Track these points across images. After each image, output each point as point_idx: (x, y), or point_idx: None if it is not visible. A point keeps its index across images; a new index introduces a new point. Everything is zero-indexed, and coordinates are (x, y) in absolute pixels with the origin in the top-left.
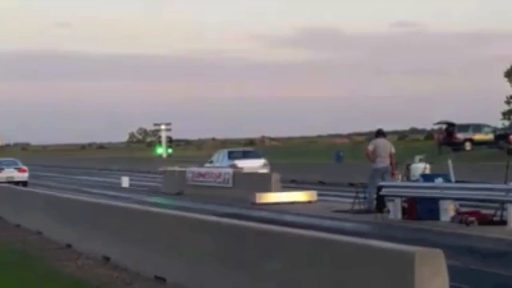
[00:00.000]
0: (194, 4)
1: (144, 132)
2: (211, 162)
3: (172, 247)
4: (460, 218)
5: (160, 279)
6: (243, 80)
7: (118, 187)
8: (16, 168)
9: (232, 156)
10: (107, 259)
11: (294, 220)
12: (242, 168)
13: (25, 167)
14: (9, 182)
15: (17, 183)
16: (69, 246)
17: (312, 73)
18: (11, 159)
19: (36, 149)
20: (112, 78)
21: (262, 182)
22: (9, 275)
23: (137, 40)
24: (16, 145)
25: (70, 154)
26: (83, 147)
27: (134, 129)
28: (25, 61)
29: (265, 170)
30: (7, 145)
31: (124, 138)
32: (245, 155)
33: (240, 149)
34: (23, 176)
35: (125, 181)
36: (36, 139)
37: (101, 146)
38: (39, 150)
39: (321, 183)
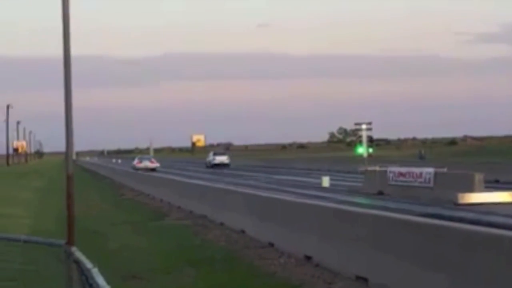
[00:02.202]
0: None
1: (344, 132)
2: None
3: (375, 247)
4: None
5: (362, 279)
6: (440, 78)
7: (318, 187)
8: (149, 161)
9: (214, 154)
10: (308, 258)
11: (500, 221)
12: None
13: (154, 160)
14: (145, 169)
15: (151, 169)
16: (271, 244)
17: None
18: (147, 156)
19: (238, 148)
20: (311, 76)
21: (464, 182)
22: (215, 271)
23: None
24: (219, 145)
25: (271, 153)
26: (283, 147)
27: (335, 129)
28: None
29: (227, 161)
30: (211, 146)
31: (325, 137)
32: (218, 154)
33: (218, 151)
34: (153, 165)
35: (325, 181)
36: (238, 139)
37: (301, 146)
38: (242, 150)
39: None
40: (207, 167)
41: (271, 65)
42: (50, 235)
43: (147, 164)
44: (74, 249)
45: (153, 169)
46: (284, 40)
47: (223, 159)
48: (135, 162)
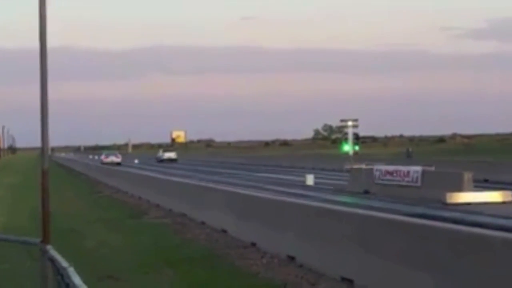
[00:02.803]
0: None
1: (330, 129)
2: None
3: (361, 248)
4: None
5: (347, 280)
6: (432, 73)
7: (302, 185)
8: (115, 156)
9: (164, 150)
10: (292, 258)
11: (487, 222)
12: (164, 156)
13: (119, 155)
14: (111, 163)
15: (116, 163)
16: (253, 244)
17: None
18: (113, 151)
19: (220, 145)
20: (294, 71)
21: (453, 182)
22: (195, 271)
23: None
24: (200, 141)
25: (254, 150)
26: (266, 143)
27: (320, 126)
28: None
29: (174, 157)
30: (191, 142)
31: (309, 134)
32: (167, 151)
33: (167, 148)
34: (118, 160)
35: (309, 179)
36: (221, 135)
37: (285, 143)
38: (223, 147)
39: None
40: (158, 161)
41: (255, 59)
42: (24, 233)
43: (112, 158)
44: (49, 247)
45: (118, 163)
46: (268, 33)
47: (171, 155)
48: (102, 157)
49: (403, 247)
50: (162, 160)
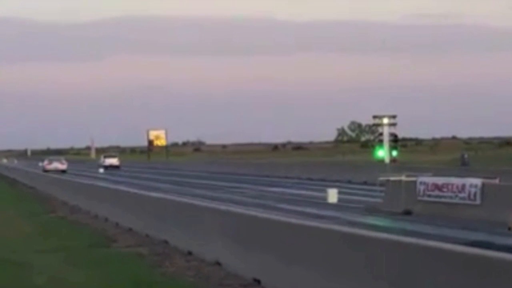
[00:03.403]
0: None
1: (358, 128)
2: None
3: (403, 285)
4: None
5: None
6: (491, 55)
7: (323, 203)
8: (59, 162)
9: (105, 156)
10: None
11: None
12: (105, 163)
13: (64, 161)
14: (55, 171)
15: (61, 171)
16: (257, 281)
17: None
18: (57, 157)
19: (212, 149)
20: (308, 50)
21: None
22: None
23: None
24: (186, 144)
25: (258, 156)
26: (275, 147)
27: (345, 124)
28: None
29: (117, 163)
30: (174, 145)
31: (331, 135)
32: (108, 156)
33: (109, 153)
34: (63, 167)
35: (332, 195)
36: (213, 136)
37: (298, 147)
38: (217, 151)
39: None
40: (102, 168)
41: (262, 35)
42: None
43: (57, 165)
44: None
45: (63, 171)
46: (283, 4)
47: (113, 161)
48: (45, 163)
49: (457, 284)
50: (104, 167)
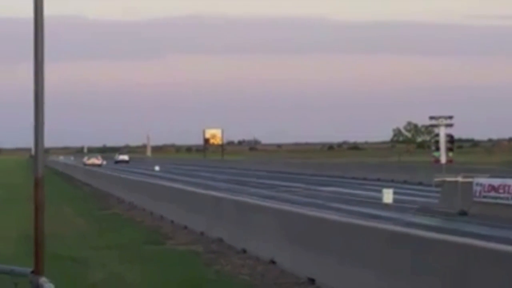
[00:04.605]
0: None
1: (415, 129)
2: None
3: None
4: None
5: None
6: None
7: (378, 203)
8: (96, 158)
9: (119, 153)
10: None
11: None
12: (119, 158)
13: (100, 157)
14: (93, 165)
15: (98, 165)
16: (311, 280)
17: None
18: (96, 154)
19: (268, 148)
20: (367, 52)
21: None
22: None
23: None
24: (241, 143)
25: (313, 156)
26: (330, 147)
27: (401, 125)
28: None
29: (127, 159)
30: (230, 143)
31: (387, 136)
32: (121, 153)
33: (122, 151)
34: (99, 162)
35: (387, 195)
36: (268, 136)
37: (354, 147)
38: (272, 150)
39: None
40: (115, 162)
41: (316, 35)
42: (10, 261)
43: (94, 161)
44: (43, 280)
45: (99, 165)
46: (339, 4)
47: (124, 157)
48: (85, 159)
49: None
50: (117, 162)
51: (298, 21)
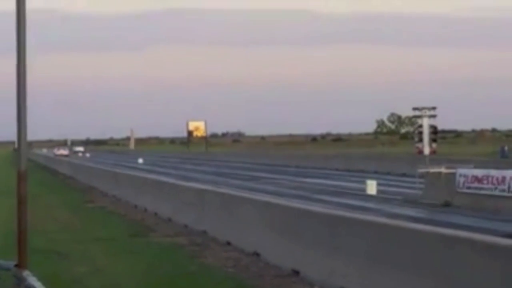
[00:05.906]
0: None
1: (398, 120)
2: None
3: (441, 277)
4: None
5: None
6: None
7: (362, 195)
8: (63, 149)
9: (73, 144)
10: None
11: None
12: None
13: (67, 149)
14: (61, 155)
15: (65, 155)
16: (296, 272)
17: None
18: (63, 146)
19: (251, 140)
20: (352, 42)
21: None
22: None
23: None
24: (225, 135)
25: (296, 147)
26: (314, 139)
27: (384, 116)
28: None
29: (82, 149)
30: (213, 136)
31: (371, 127)
32: (77, 145)
33: (77, 143)
34: (66, 152)
35: (371, 187)
36: (252, 127)
37: (338, 138)
38: (256, 142)
39: None
40: (73, 153)
41: (299, 27)
42: None
43: (62, 152)
44: (26, 273)
45: (66, 155)
46: None
47: (80, 149)
48: (55, 150)
49: (500, 280)
50: (75, 152)
51: (280, 13)
